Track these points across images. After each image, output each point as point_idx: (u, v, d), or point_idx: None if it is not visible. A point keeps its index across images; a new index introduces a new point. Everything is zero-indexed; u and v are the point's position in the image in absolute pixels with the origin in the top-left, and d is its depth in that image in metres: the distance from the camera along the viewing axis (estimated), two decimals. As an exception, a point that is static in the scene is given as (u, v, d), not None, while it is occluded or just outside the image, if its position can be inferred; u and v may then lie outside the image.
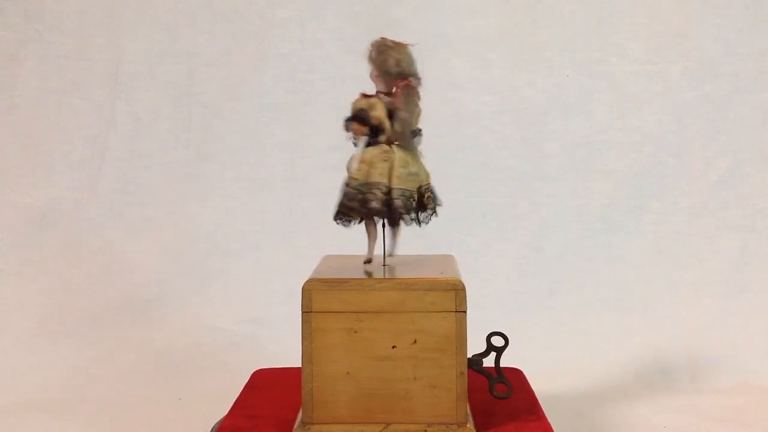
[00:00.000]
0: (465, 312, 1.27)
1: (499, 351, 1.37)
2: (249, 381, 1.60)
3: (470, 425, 1.28)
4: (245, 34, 2.38)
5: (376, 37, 1.35)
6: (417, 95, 1.32)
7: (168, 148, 2.37)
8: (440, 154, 2.29)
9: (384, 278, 1.28)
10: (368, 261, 1.37)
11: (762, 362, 2.00)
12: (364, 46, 1.36)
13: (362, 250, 1.39)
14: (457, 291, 1.27)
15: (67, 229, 2.30)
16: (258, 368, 1.69)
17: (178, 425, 1.70)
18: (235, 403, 1.48)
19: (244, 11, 2.38)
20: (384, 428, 1.27)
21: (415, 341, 1.27)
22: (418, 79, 1.33)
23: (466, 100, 2.33)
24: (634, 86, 2.27)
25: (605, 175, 2.27)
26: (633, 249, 2.23)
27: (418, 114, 1.33)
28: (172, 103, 2.37)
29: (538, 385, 1.59)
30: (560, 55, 2.30)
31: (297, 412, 1.36)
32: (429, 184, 1.36)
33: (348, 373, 1.26)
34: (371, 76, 1.33)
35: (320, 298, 1.25)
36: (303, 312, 1.25)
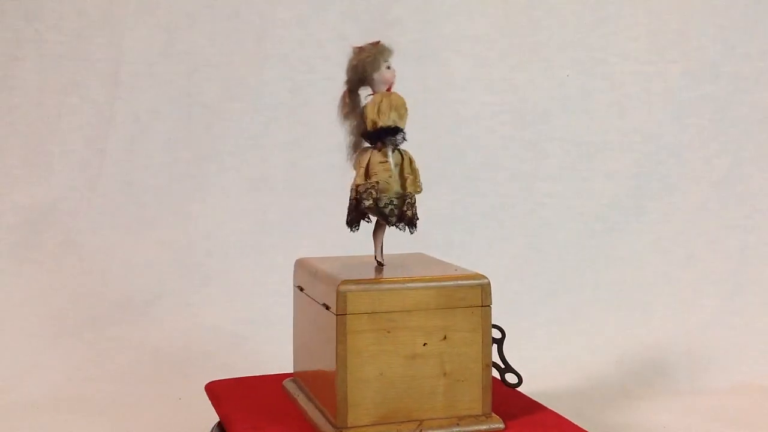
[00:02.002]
0: (490, 306, 1.30)
1: (500, 342, 1.39)
2: (213, 395, 1.53)
3: (495, 415, 1.31)
4: (245, 34, 2.38)
5: (378, 39, 1.36)
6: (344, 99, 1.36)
7: (168, 148, 2.37)
8: (440, 154, 2.29)
9: (415, 277, 1.29)
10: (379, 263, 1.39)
11: (762, 362, 2.01)
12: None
13: (362, 250, 1.41)
14: (483, 286, 1.29)
15: (67, 229, 2.30)
16: (221, 378, 1.64)
17: (178, 425, 1.70)
18: (223, 417, 1.42)
19: (244, 11, 2.38)
20: (418, 426, 1.27)
21: (445, 337, 1.28)
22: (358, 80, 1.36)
23: (466, 100, 2.33)
24: (634, 86, 2.27)
25: (605, 175, 2.27)
26: (633, 249, 2.23)
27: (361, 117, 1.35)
28: (172, 103, 2.37)
29: (538, 385, 1.59)
30: (560, 55, 2.30)
31: (299, 419, 1.35)
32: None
33: (381, 373, 1.25)
34: (390, 79, 1.35)
35: (355, 299, 1.24)
36: (338, 315, 1.23)
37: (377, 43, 1.35)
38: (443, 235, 2.21)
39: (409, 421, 1.27)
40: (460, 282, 1.29)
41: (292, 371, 1.56)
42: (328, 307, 1.27)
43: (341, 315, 1.23)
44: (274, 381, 1.56)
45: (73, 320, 2.17)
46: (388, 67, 1.34)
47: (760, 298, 2.12)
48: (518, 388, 1.45)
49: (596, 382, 1.95)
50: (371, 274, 1.31)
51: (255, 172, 2.37)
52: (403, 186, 1.32)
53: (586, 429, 1.34)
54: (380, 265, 1.37)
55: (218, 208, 2.35)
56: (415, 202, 1.33)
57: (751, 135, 2.21)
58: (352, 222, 1.34)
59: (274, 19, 2.37)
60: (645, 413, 1.77)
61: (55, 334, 2.13)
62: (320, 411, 1.32)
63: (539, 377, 1.80)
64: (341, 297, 1.23)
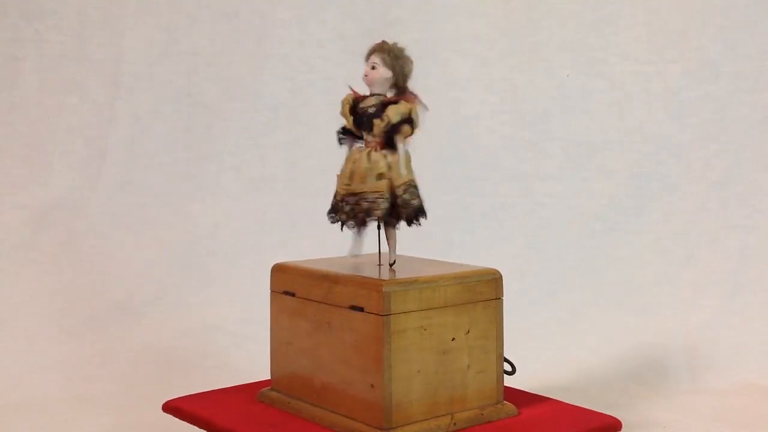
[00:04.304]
0: (502, 299, 1.35)
1: None
2: (184, 414, 1.45)
3: (508, 402, 1.37)
4: (245, 34, 2.38)
5: (378, 39, 1.36)
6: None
7: (168, 148, 2.37)
8: (440, 154, 2.29)
9: (444, 275, 1.31)
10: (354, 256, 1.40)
11: (762, 362, 2.00)
12: (364, 46, 1.37)
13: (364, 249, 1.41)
14: (497, 280, 1.34)
15: (67, 229, 2.30)
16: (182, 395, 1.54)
17: (178, 425, 1.70)
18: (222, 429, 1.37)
19: (244, 11, 2.38)
20: (451, 419, 1.30)
21: (469, 331, 1.31)
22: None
23: (466, 100, 2.33)
24: (634, 86, 2.26)
25: (605, 175, 2.27)
26: (633, 249, 2.23)
27: None
28: (172, 103, 2.37)
29: (538, 384, 1.59)
30: (560, 55, 2.30)
31: (317, 426, 1.33)
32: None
33: (419, 371, 1.27)
34: (381, 79, 1.34)
35: (398, 299, 1.25)
36: (383, 315, 1.24)
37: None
38: (443, 235, 2.21)
39: (441, 415, 1.29)
40: (480, 277, 1.33)
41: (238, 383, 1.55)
42: (360, 309, 1.26)
43: (386, 315, 1.24)
44: (242, 392, 1.50)
45: (73, 320, 2.17)
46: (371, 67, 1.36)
47: (760, 298, 2.12)
48: (516, 386, 1.48)
49: (596, 382, 1.95)
50: (391, 274, 1.31)
51: (255, 172, 2.37)
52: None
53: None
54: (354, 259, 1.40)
55: (218, 208, 2.35)
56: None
57: (751, 135, 2.21)
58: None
59: (274, 19, 2.37)
60: (645, 413, 1.77)
61: (55, 334, 2.13)
62: (343, 416, 1.30)
63: (539, 377, 1.80)
64: (386, 297, 1.24)
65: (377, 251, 1.41)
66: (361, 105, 1.35)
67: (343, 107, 1.36)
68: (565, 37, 2.30)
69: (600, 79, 2.28)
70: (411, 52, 1.36)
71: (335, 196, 1.36)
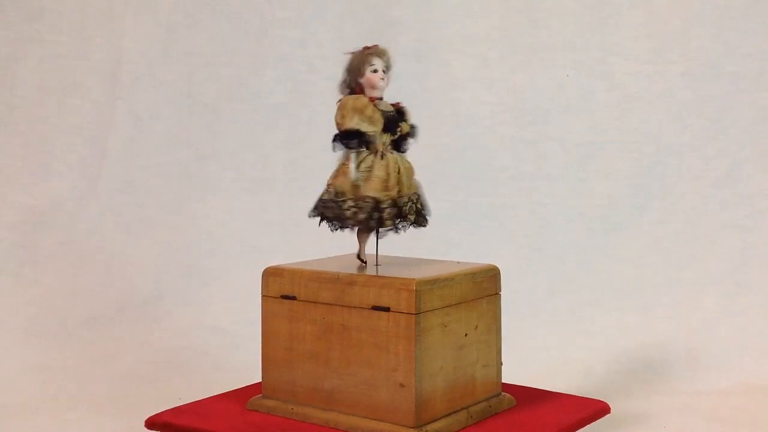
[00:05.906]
0: (500, 294, 1.39)
1: None
2: (181, 429, 1.36)
3: (506, 393, 1.41)
4: (245, 34, 2.38)
5: (374, 41, 1.37)
6: None
7: (168, 148, 2.37)
8: (440, 154, 2.29)
9: (458, 272, 1.33)
10: (364, 261, 1.39)
11: (762, 362, 2.01)
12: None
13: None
14: (496, 275, 1.38)
15: (67, 229, 2.30)
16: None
17: (178, 425, 1.70)
18: None
19: (244, 11, 2.38)
20: (468, 413, 1.32)
21: (477, 326, 1.34)
22: None
23: (466, 100, 2.33)
24: (634, 86, 2.26)
25: (605, 175, 2.27)
26: (633, 249, 2.23)
27: None
28: (172, 103, 2.37)
29: (538, 384, 1.59)
30: (560, 55, 2.30)
31: (312, 425, 1.32)
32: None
33: (441, 367, 1.29)
34: (375, 83, 1.34)
35: (426, 297, 1.26)
36: (416, 314, 1.24)
37: (369, 47, 1.35)
38: (443, 235, 2.21)
39: (459, 409, 1.32)
40: (484, 273, 1.36)
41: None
42: (386, 309, 1.26)
43: (417, 314, 1.25)
44: (230, 400, 1.46)
45: (73, 320, 2.17)
46: (375, 71, 1.34)
47: (760, 298, 2.12)
48: (511, 381, 1.49)
49: (596, 382, 1.95)
50: (409, 274, 1.31)
51: (255, 172, 2.37)
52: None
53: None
54: (363, 263, 1.39)
55: (218, 208, 2.35)
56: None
57: (751, 135, 2.21)
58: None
59: (274, 19, 2.37)
60: (645, 413, 1.77)
61: (55, 334, 2.13)
62: (363, 417, 1.29)
63: (539, 377, 1.80)
64: (418, 296, 1.25)
65: (364, 252, 1.41)
66: (382, 108, 1.34)
67: (373, 111, 1.33)
68: (565, 37, 2.30)
69: (600, 79, 2.28)
70: (411, 52, 1.36)
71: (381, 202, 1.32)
